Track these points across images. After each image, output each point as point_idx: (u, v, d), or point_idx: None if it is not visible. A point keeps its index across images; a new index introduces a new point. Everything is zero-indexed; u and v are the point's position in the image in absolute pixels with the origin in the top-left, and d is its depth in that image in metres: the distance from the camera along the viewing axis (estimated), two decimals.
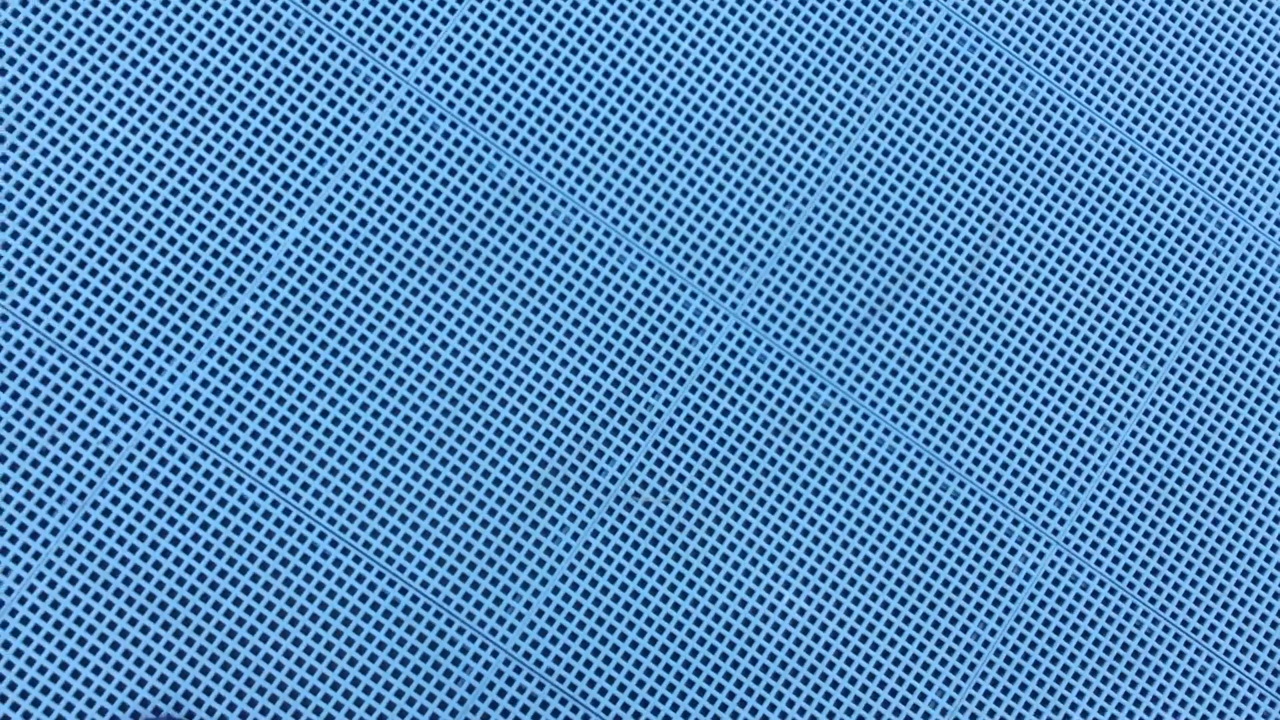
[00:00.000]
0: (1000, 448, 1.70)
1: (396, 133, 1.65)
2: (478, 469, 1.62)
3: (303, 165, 1.63)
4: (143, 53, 1.62)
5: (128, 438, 1.57)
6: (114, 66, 1.61)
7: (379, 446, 1.61)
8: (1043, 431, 1.71)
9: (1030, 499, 1.70)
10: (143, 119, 1.61)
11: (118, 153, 1.60)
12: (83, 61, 1.60)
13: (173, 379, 1.58)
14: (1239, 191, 1.79)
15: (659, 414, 1.66)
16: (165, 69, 1.62)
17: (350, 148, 1.64)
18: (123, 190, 1.60)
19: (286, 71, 1.64)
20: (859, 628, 1.66)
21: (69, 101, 1.60)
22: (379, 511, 1.60)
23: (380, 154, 1.65)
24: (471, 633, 1.60)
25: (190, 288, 1.60)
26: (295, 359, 1.61)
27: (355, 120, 1.65)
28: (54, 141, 1.59)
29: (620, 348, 1.66)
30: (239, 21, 1.64)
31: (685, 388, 1.67)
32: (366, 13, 1.66)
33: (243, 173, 1.62)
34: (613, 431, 1.65)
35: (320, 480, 1.59)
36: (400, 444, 1.61)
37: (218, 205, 1.61)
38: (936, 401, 1.70)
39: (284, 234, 1.62)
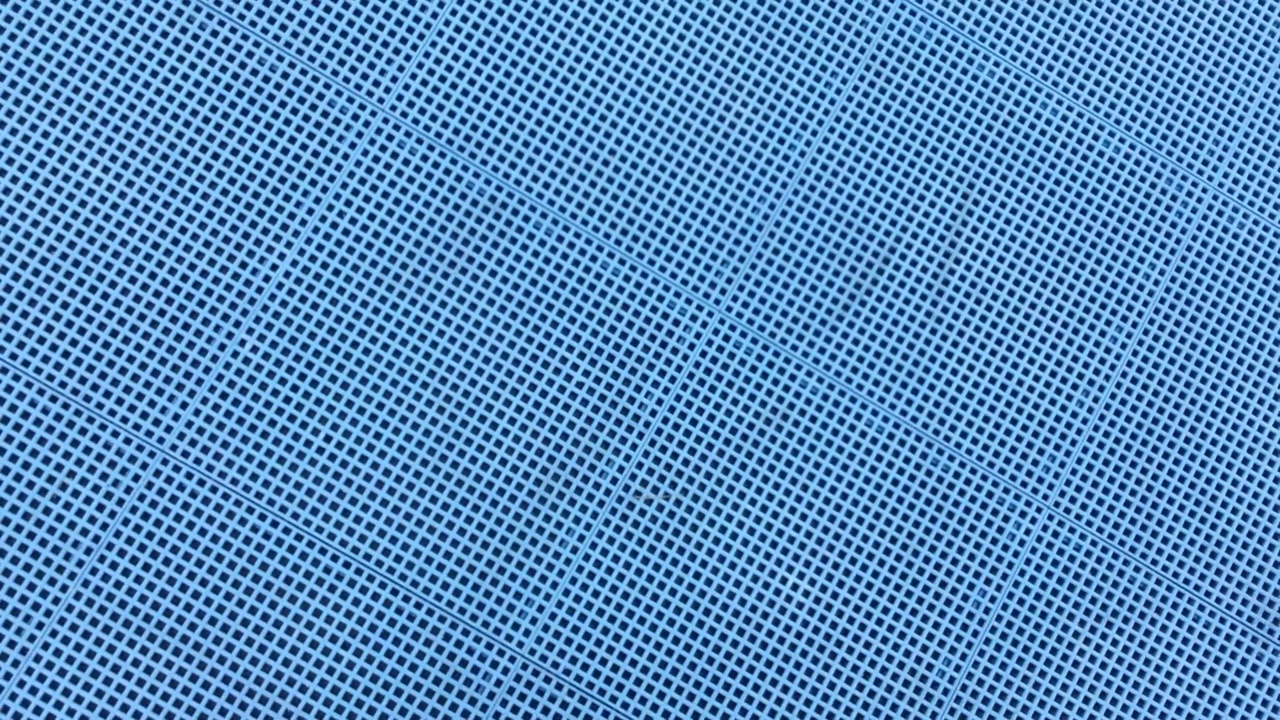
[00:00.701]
0: (986, 419, 1.76)
1: (376, 159, 1.69)
2: (481, 480, 1.66)
3: (287, 199, 1.67)
4: (119, 99, 1.65)
5: (137, 478, 1.60)
6: (92, 115, 1.64)
7: (383, 466, 1.64)
8: (1025, 400, 1.77)
9: (1019, 466, 1.75)
10: (125, 164, 1.64)
11: (103, 200, 1.63)
12: (60, 113, 1.63)
13: (176, 416, 1.62)
14: (1195, 154, 1.85)
15: (653, 412, 1.70)
16: (144, 114, 1.65)
17: (333, 177, 1.68)
18: (111, 236, 1.63)
19: (264, 109, 1.68)
20: (864, 604, 1.70)
21: (50, 153, 1.63)
22: (388, 530, 1.63)
23: (362, 180, 1.69)
24: (488, 640, 1.64)
25: (186, 326, 1.63)
26: (295, 387, 1.64)
27: (335, 150, 1.69)
28: (38, 194, 1.62)
29: (610, 351, 1.70)
30: (212, 63, 1.67)
31: (676, 385, 1.71)
32: (338, 45, 1.70)
33: (229, 210, 1.66)
34: (609, 433, 1.69)
35: (329, 504, 1.63)
36: (404, 462, 1.65)
37: (207, 244, 1.65)
38: (921, 379, 1.75)
39: (274, 266, 1.66)
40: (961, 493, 1.74)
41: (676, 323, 1.72)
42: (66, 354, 1.61)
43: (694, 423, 1.71)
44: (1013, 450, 1.76)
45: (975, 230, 1.79)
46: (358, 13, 1.71)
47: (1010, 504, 1.75)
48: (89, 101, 1.64)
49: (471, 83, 1.72)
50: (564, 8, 1.75)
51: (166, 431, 1.61)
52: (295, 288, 1.66)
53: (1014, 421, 1.76)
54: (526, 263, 1.70)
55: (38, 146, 1.63)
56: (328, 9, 1.71)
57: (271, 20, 1.69)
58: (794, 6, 1.80)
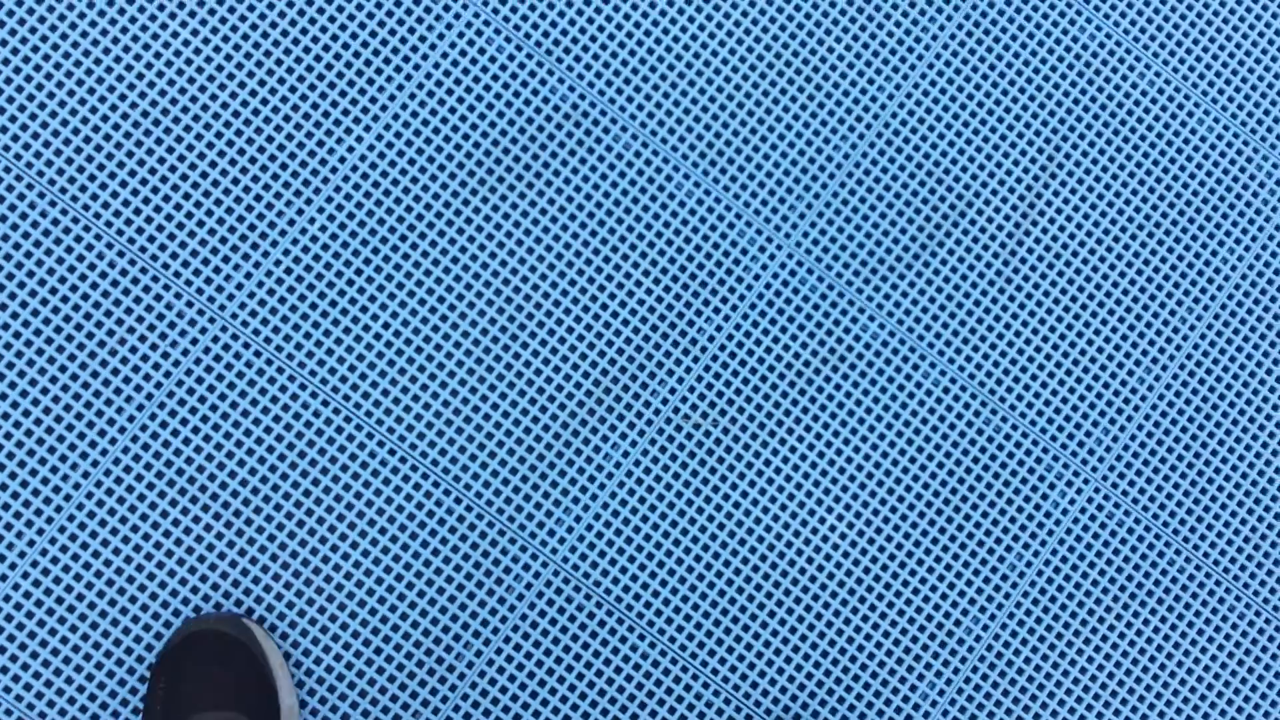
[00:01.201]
0: (1044, 385, 1.74)
1: (463, 53, 1.68)
2: (532, 385, 1.66)
3: (370, 82, 1.66)
4: None
5: (195, 341, 1.61)
6: None
7: (438, 359, 1.65)
8: (1086, 370, 1.75)
9: (1071, 436, 1.74)
10: (214, 30, 1.64)
11: (189, 62, 1.63)
12: None
13: (240, 285, 1.62)
14: None
15: (710, 338, 1.69)
16: None
17: (418, 66, 1.67)
18: (194, 99, 1.63)
19: None
20: (899, 553, 1.70)
21: (142, 10, 1.63)
22: (435, 423, 1.64)
23: (446, 74, 1.68)
24: (522, 543, 1.64)
25: (259, 198, 1.64)
26: (359, 270, 1.64)
27: (423, 40, 1.67)
28: (126, 49, 1.62)
29: (675, 272, 1.69)
30: None
31: (737, 314, 1.70)
32: None
33: (311, 87, 1.65)
34: (665, 354, 1.68)
35: (380, 390, 1.63)
36: (458, 358, 1.65)
37: (286, 118, 1.65)
38: (984, 338, 1.74)
39: (350, 149, 1.66)
40: (1010, 455, 1.73)
41: (744, 251, 1.71)
42: (138, 211, 1.61)
43: (750, 353, 1.70)
44: (1067, 419, 1.74)
45: (1056, 195, 1.76)
46: None
47: (1059, 472, 1.73)
48: None
49: None
50: None
51: (228, 300, 1.62)
52: (370, 172, 1.66)
53: (1071, 390, 1.74)
54: (601, 174, 1.69)
55: (130, 1, 1.62)
56: None
57: None
58: None
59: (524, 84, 1.69)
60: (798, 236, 1.72)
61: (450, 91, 1.68)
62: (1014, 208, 1.75)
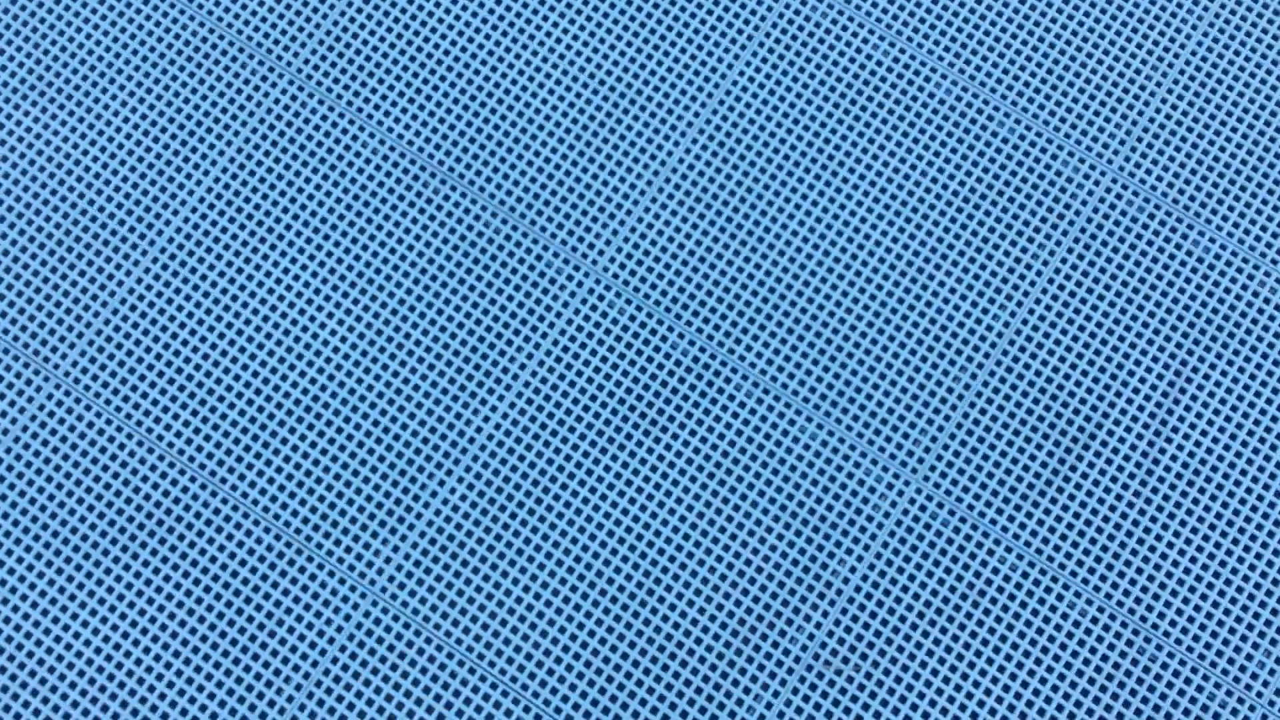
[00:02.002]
0: (1197, 608, 1.68)
1: (586, 318, 1.76)
2: (671, 640, 1.67)
3: (502, 354, 1.75)
4: (354, 260, 1.77)
5: (348, 617, 1.68)
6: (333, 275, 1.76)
7: (577, 619, 1.68)
8: (1218, 581, 1.69)
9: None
10: (353, 325, 1.75)
11: (335, 351, 1.74)
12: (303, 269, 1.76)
13: (388, 560, 1.69)
14: None
15: (845, 580, 1.69)
16: (378, 271, 1.77)
17: (545, 334, 1.76)
18: (340, 385, 1.73)
19: (487, 268, 1.77)
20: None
21: (287, 305, 1.75)
22: (579, 684, 1.66)
23: (572, 339, 1.76)
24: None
25: (403, 473, 1.72)
26: (499, 536, 1.70)
27: (549, 309, 1.76)
28: (273, 331, 1.74)
29: (805, 515, 1.71)
30: (444, 225, 1.78)
31: (870, 554, 1.70)
32: (557, 209, 1.79)
33: (448, 364, 1.74)
34: (801, 599, 1.69)
35: (524, 654, 1.67)
36: (598, 616, 1.68)
37: (426, 395, 1.74)
38: (1128, 563, 1.69)
39: (486, 418, 1.73)
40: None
41: (872, 490, 1.72)
42: (293, 495, 1.71)
43: (886, 593, 1.69)
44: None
45: (1191, 411, 1.74)
46: (578, 180, 1.80)
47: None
48: (332, 255, 1.76)
49: (681, 247, 1.78)
50: (776, 192, 1.80)
51: (378, 574, 1.69)
52: (505, 439, 1.73)
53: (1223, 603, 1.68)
54: (725, 424, 1.73)
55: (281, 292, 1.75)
56: (551, 177, 1.80)
57: (498, 187, 1.80)
58: (1002, 180, 1.80)
59: (645, 341, 1.76)
60: (924, 470, 1.72)
61: (576, 355, 1.75)
62: (1154, 414, 1.73)
